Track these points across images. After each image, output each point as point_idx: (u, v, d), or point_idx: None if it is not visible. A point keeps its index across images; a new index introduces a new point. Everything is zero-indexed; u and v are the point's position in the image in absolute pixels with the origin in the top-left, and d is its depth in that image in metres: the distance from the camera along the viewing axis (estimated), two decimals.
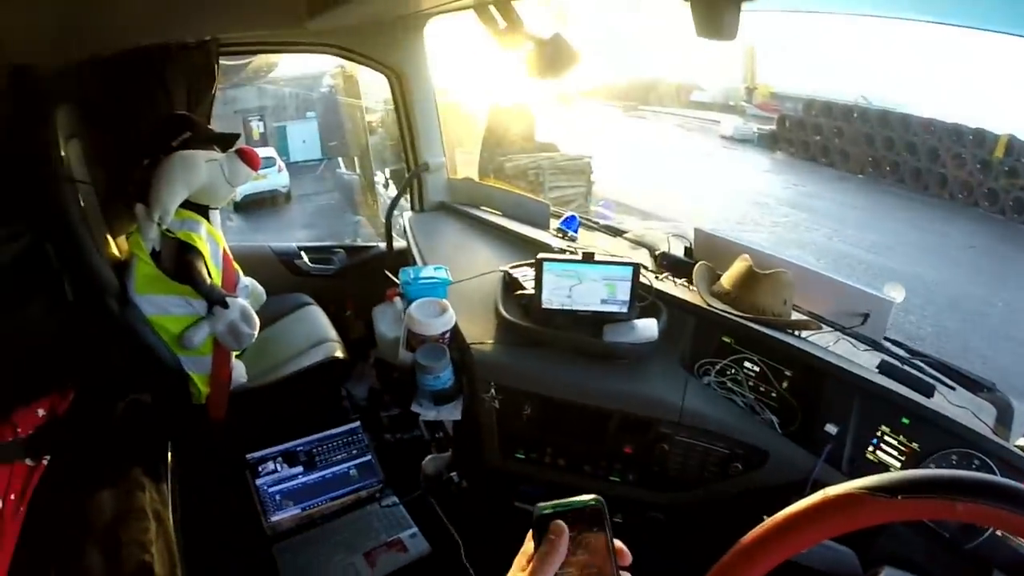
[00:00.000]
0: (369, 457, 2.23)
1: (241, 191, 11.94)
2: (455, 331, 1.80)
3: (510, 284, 1.94)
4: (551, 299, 1.76)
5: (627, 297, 1.74)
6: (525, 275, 1.93)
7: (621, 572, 0.61)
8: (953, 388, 1.77)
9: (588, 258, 1.74)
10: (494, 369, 1.74)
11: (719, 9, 1.02)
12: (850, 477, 0.67)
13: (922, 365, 1.84)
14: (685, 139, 19.06)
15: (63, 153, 1.96)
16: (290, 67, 12.73)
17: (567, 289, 1.74)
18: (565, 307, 1.77)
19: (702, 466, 1.68)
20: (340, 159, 12.58)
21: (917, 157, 16.93)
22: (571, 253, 1.92)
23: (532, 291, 1.80)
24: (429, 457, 2.20)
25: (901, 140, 17.25)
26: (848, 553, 1.47)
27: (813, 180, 15.80)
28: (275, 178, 12.50)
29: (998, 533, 1.42)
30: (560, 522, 0.62)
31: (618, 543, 0.63)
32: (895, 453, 1.56)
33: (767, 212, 11.46)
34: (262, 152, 12.18)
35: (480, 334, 1.81)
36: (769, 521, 0.71)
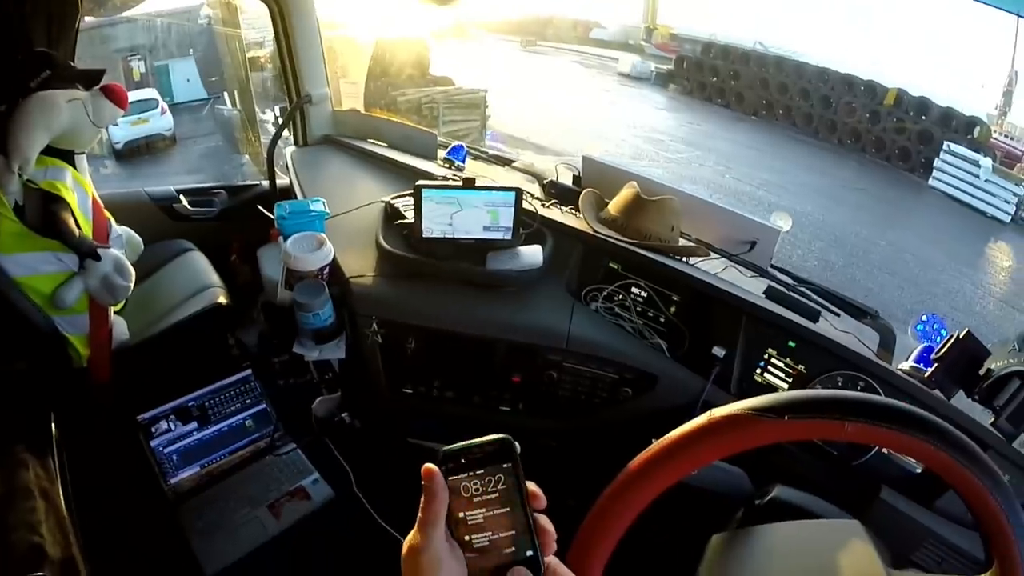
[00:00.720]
0: (264, 406, 2.14)
1: (122, 137, 11.25)
2: (334, 265, 1.70)
3: (391, 215, 1.84)
4: (431, 228, 1.68)
5: (510, 223, 1.68)
6: (406, 205, 1.83)
7: (536, 515, 0.57)
8: (838, 315, 1.84)
9: (469, 184, 1.67)
10: (375, 303, 1.67)
11: None
12: (739, 398, 0.65)
13: (808, 292, 1.90)
14: (583, 75, 19.15)
15: None
16: None
17: (448, 217, 1.67)
18: (447, 235, 1.69)
19: (591, 392, 1.68)
20: (225, 95, 11.82)
21: (810, 103, 17.87)
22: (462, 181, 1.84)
23: (413, 220, 1.72)
24: (320, 399, 2.12)
25: (795, 86, 18.17)
26: (739, 473, 1.50)
27: (708, 120, 16.32)
28: (158, 121, 11.48)
29: (884, 451, 1.48)
30: (430, 465, 0.56)
31: (532, 486, 0.58)
32: (782, 375, 1.61)
33: (662, 148, 11.74)
34: (143, 94, 11.44)
35: (361, 267, 1.72)
36: (657, 444, 0.72)
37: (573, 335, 1.63)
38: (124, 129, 11.15)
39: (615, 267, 1.73)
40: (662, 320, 1.70)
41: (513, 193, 1.66)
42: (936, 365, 1.55)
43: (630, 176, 1.92)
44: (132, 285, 2.13)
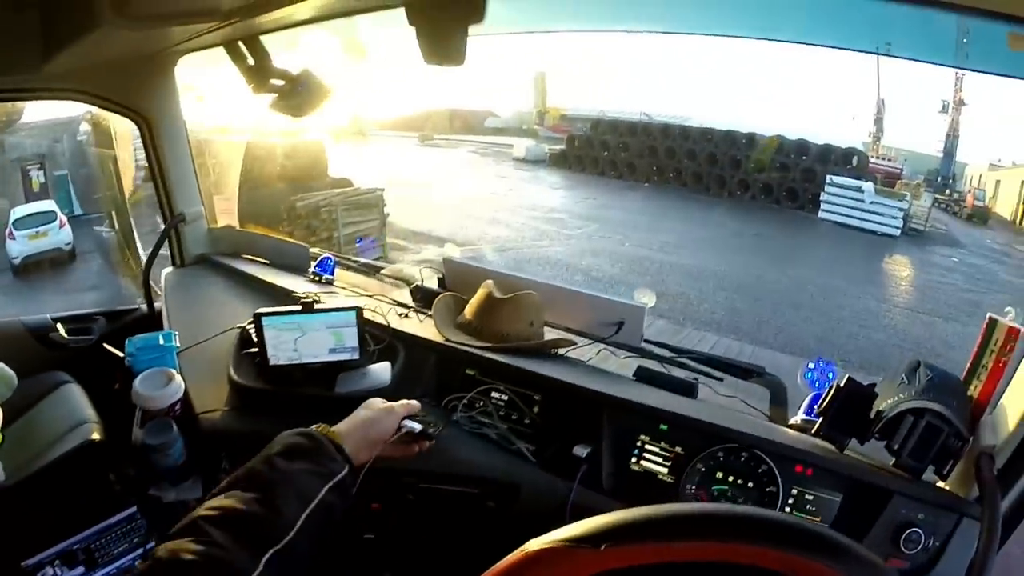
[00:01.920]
0: (152, 544, 1.94)
1: (19, 251, 10.73)
2: (185, 401, 1.64)
3: (245, 342, 1.80)
4: (277, 355, 1.65)
5: (355, 343, 1.67)
6: (256, 334, 1.80)
7: None
8: (721, 380, 1.83)
9: (308, 308, 1.66)
10: (224, 438, 1.61)
11: (445, 34, 1.02)
12: (613, 494, 0.62)
13: (687, 363, 1.89)
14: (481, 164, 19.78)
15: None
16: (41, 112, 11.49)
17: (292, 342, 1.65)
18: (293, 361, 1.66)
19: (453, 510, 1.62)
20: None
21: (697, 162, 19.12)
22: (314, 297, 1.81)
23: None
24: None
25: (682, 148, 19.51)
26: None
27: (603, 193, 17.12)
28: (56, 235, 11.01)
29: None
30: None
31: None
32: (660, 460, 1.53)
33: (562, 227, 12.14)
34: (41, 206, 11.05)
35: (214, 401, 1.67)
36: None
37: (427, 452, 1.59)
38: (21, 243, 10.70)
39: (472, 373, 1.72)
40: (527, 422, 1.66)
41: (353, 312, 1.65)
42: (821, 419, 1.48)
43: (487, 274, 1.93)
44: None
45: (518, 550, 0.65)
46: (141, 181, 7.48)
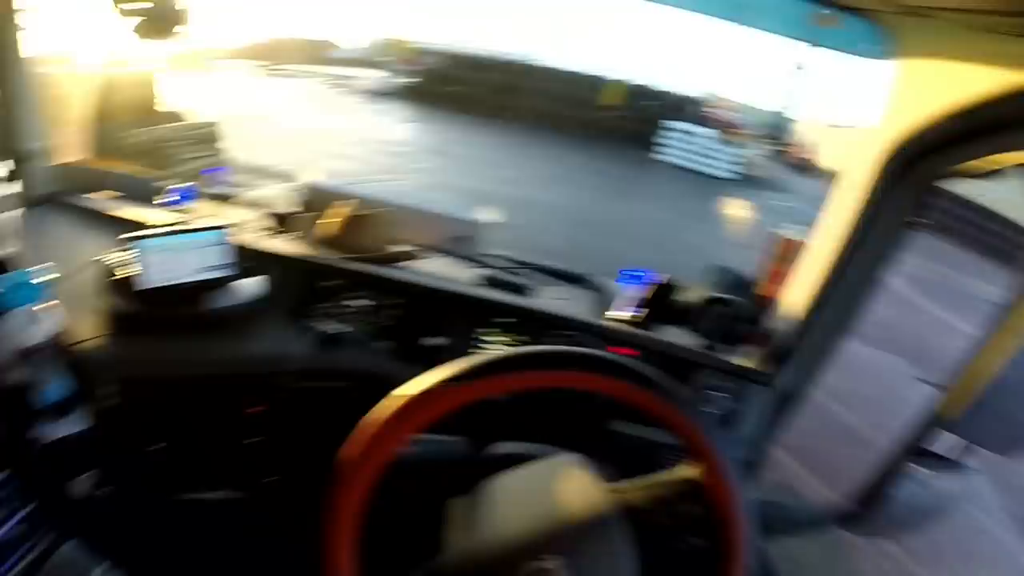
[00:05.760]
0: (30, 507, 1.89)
1: None
2: (61, 335, 1.64)
3: (113, 272, 1.80)
4: (150, 278, 1.69)
5: (226, 261, 1.74)
6: (125, 260, 1.81)
7: None
8: (557, 286, 2.08)
9: (178, 229, 1.71)
10: (104, 366, 1.64)
11: None
12: None
13: (526, 271, 2.12)
14: (328, 96, 18.74)
15: None
16: None
17: (164, 264, 1.69)
18: (169, 282, 1.71)
19: (326, 406, 1.75)
20: None
21: (547, 101, 19.24)
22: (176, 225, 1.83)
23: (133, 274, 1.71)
24: (76, 480, 1.92)
25: (532, 87, 19.47)
26: (459, 441, 1.67)
27: (452, 128, 16.80)
28: None
29: None
30: None
31: None
32: (500, 347, 1.76)
33: (409, 161, 11.92)
34: None
35: (89, 332, 1.68)
36: (356, 435, 0.78)
37: (302, 356, 1.73)
38: None
39: (335, 284, 1.86)
40: (386, 325, 1.84)
41: (222, 231, 1.72)
42: (646, 310, 1.84)
43: (348, 195, 2.04)
44: None
45: (385, 399, 0.77)
46: None
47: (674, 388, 0.83)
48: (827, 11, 1.43)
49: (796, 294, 1.72)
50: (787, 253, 1.79)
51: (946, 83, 1.22)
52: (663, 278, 1.87)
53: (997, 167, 1.31)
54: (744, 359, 1.80)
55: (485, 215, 2.24)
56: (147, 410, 1.71)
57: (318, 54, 25.65)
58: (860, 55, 1.49)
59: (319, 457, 1.87)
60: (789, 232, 1.82)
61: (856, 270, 1.62)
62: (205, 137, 6.41)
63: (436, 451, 1.61)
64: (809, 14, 1.47)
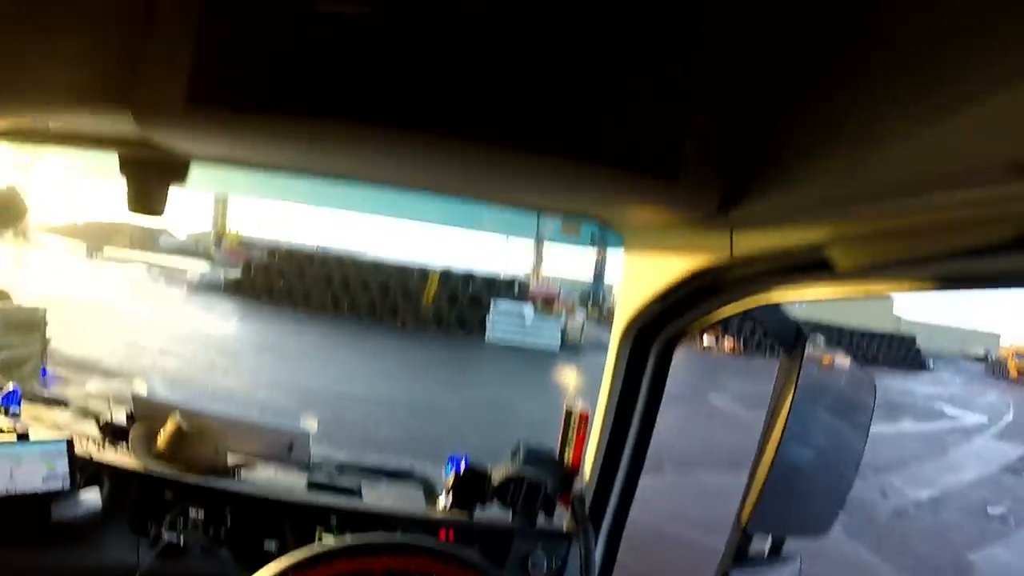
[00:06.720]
0: None
1: None
2: None
3: None
4: None
5: (66, 472, 1.73)
6: None
7: None
8: (387, 483, 2.19)
9: (22, 438, 1.72)
10: None
11: (150, 189, 1.10)
12: None
13: (352, 473, 2.23)
14: (153, 286, 17.94)
15: None
16: None
17: (8, 472, 1.66)
18: (9, 492, 1.66)
19: None
20: None
21: (371, 293, 19.74)
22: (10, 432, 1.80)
23: None
24: None
25: (356, 280, 19.92)
26: None
27: (279, 322, 16.55)
28: None
29: None
30: None
31: None
32: None
33: (236, 358, 11.53)
34: None
35: None
36: None
37: (144, 566, 1.68)
38: None
39: (170, 496, 1.85)
40: (223, 533, 1.85)
41: (64, 443, 1.74)
42: (452, 495, 1.97)
43: (173, 407, 2.08)
44: None
45: None
46: None
47: (473, 557, 0.98)
48: (571, 220, 1.82)
49: (593, 455, 1.97)
50: (581, 422, 2.06)
51: (660, 267, 1.54)
52: (472, 463, 2.04)
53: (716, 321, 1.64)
54: (559, 522, 2.00)
55: (308, 424, 2.35)
56: None
57: (144, 239, 24.62)
58: (601, 248, 1.91)
59: None
60: (579, 404, 2.09)
61: (629, 424, 1.89)
62: (27, 323, 5.74)
63: None
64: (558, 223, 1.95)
